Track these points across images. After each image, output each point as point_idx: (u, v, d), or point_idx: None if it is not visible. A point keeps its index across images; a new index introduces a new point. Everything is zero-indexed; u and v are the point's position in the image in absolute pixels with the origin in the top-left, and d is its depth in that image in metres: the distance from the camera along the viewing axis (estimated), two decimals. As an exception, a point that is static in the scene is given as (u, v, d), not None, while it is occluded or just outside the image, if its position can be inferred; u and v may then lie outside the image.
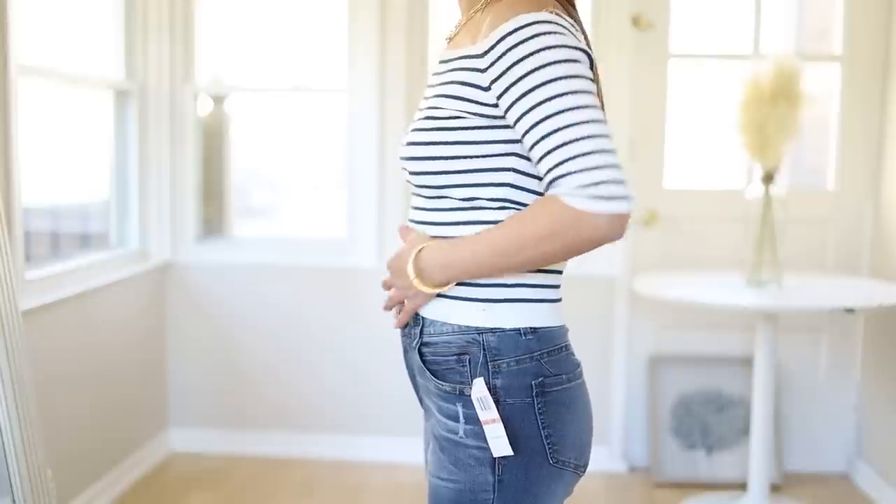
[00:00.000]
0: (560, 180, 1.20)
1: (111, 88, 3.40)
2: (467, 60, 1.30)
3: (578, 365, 1.37)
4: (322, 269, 3.61)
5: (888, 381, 3.28)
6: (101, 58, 3.38)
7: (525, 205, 1.31)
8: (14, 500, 2.12)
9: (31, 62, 2.77)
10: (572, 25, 1.29)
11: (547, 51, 1.22)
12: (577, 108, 1.21)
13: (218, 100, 3.85)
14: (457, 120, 1.30)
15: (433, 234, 1.37)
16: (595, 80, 1.30)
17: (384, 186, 3.54)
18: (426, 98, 1.38)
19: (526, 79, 1.22)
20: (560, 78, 1.21)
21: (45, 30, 3.00)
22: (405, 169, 1.37)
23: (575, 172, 1.19)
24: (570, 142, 1.20)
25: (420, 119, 1.35)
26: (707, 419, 3.48)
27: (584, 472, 1.37)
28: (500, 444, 1.28)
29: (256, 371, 3.65)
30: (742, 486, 3.30)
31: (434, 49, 3.54)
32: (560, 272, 1.37)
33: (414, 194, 1.40)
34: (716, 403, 3.49)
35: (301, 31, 3.75)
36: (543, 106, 1.21)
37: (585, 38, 1.34)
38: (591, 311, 3.52)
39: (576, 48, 1.25)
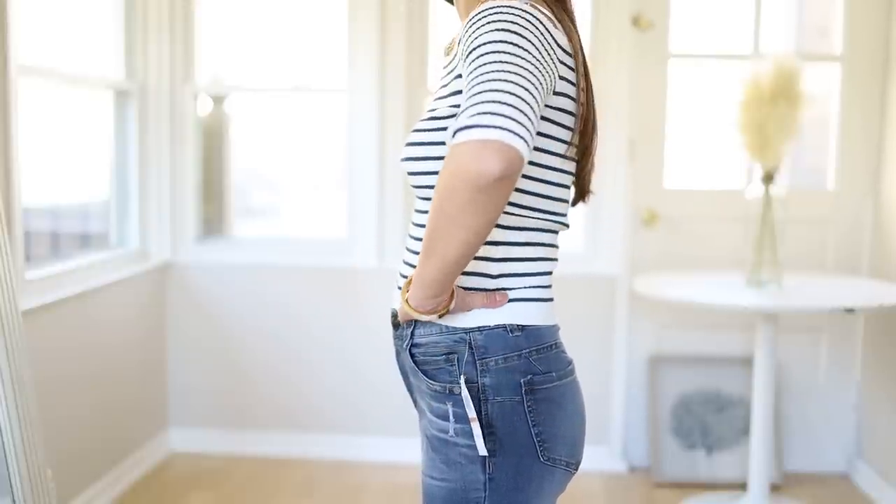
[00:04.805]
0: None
1: (111, 88, 3.40)
2: (456, 58, 1.31)
3: (570, 363, 1.36)
4: (322, 269, 3.61)
5: (888, 381, 3.28)
6: (101, 58, 3.38)
7: (513, 203, 1.30)
8: (14, 500, 2.12)
9: (31, 62, 2.77)
10: (550, 20, 1.25)
11: (495, 31, 1.18)
12: (494, 71, 1.14)
13: (218, 100, 3.85)
14: (452, 118, 1.29)
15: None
16: (578, 83, 1.29)
17: (384, 186, 3.54)
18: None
19: (469, 55, 1.20)
20: (492, 52, 1.16)
21: (45, 30, 3.00)
22: (406, 172, 1.37)
23: (458, 117, 1.13)
24: (472, 96, 1.13)
25: (419, 121, 1.36)
26: (707, 419, 3.48)
27: (576, 469, 1.37)
28: (478, 444, 1.29)
29: (256, 371, 3.65)
30: (742, 486, 3.30)
31: (434, 49, 3.54)
32: (549, 273, 1.36)
33: (416, 197, 1.40)
34: (716, 403, 3.49)
35: (301, 31, 3.75)
36: (471, 77, 1.17)
37: (570, 30, 1.31)
38: (591, 311, 3.52)
39: (532, 32, 1.20)
